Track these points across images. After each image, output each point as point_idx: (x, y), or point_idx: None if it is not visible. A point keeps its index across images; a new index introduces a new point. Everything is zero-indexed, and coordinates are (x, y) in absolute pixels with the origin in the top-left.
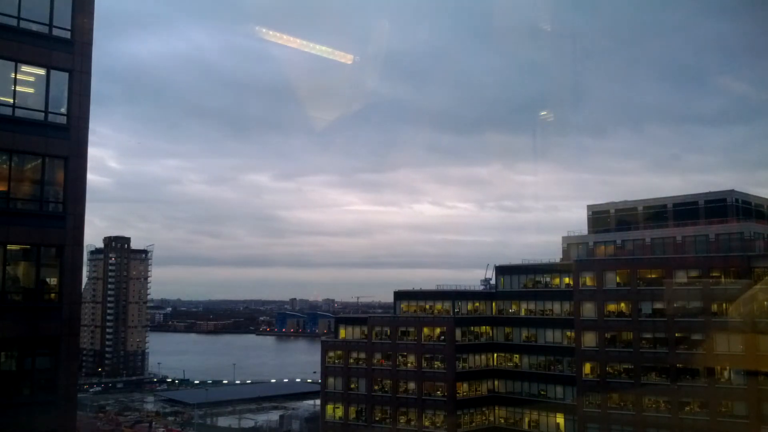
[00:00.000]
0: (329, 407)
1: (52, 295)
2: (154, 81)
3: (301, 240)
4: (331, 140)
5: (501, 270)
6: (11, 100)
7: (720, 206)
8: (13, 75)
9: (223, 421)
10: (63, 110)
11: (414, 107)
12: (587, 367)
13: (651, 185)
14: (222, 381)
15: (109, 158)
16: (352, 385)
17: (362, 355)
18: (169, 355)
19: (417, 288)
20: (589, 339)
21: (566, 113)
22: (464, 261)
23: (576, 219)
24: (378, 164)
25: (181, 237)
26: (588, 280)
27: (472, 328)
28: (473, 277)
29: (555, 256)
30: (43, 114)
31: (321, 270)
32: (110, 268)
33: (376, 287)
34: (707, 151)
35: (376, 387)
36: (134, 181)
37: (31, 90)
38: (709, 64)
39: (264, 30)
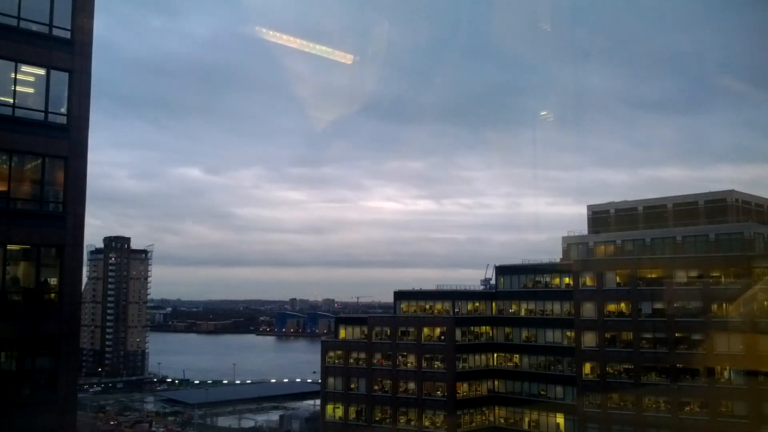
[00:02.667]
0: (329, 407)
1: (52, 295)
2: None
3: (270, 238)
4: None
5: (501, 270)
6: (11, 100)
7: (720, 206)
8: (13, 75)
9: (223, 421)
10: (63, 110)
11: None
12: (587, 367)
13: (597, 180)
14: (222, 381)
15: None
16: (352, 385)
17: (362, 355)
18: (169, 355)
19: (417, 288)
20: (589, 339)
21: (523, 106)
22: (445, 260)
23: (546, 214)
24: (312, 159)
25: (141, 234)
26: (588, 280)
27: (472, 328)
28: (454, 277)
29: (530, 254)
30: (43, 114)
31: (321, 270)
32: (110, 268)
33: (376, 287)
34: (653, 145)
35: (376, 387)
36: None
37: (31, 90)
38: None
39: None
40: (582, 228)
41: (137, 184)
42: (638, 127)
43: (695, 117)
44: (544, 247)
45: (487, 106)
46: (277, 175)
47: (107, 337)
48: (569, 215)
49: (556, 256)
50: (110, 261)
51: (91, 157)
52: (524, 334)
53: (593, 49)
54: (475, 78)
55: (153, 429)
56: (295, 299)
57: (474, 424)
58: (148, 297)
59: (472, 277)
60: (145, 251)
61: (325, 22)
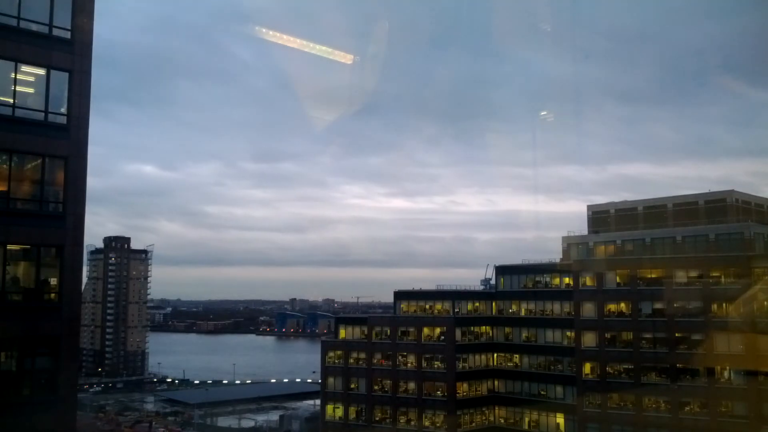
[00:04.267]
0: (329, 407)
1: (52, 295)
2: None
3: (250, 236)
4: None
5: (501, 270)
6: (11, 100)
7: (720, 206)
8: (13, 75)
9: (223, 421)
10: (63, 110)
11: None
12: (587, 367)
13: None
14: (222, 381)
15: None
16: (352, 385)
17: (362, 355)
18: (169, 355)
19: (417, 288)
20: (589, 339)
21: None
22: (434, 260)
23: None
24: (269, 155)
25: (117, 232)
26: (588, 280)
27: (472, 328)
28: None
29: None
30: (43, 114)
31: (320, 270)
32: (110, 268)
33: (376, 287)
34: (623, 140)
35: (376, 387)
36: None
37: (31, 90)
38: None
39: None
40: (558, 227)
41: (94, 180)
42: (610, 121)
43: (667, 110)
44: (530, 245)
45: (456, 99)
46: (236, 171)
47: (107, 337)
48: (548, 213)
49: (542, 254)
50: (110, 261)
51: None
52: (524, 334)
53: (568, 39)
54: (443, 69)
55: (153, 429)
56: (295, 299)
57: (474, 424)
58: (148, 297)
59: (464, 277)
60: (145, 251)
61: (276, 7)
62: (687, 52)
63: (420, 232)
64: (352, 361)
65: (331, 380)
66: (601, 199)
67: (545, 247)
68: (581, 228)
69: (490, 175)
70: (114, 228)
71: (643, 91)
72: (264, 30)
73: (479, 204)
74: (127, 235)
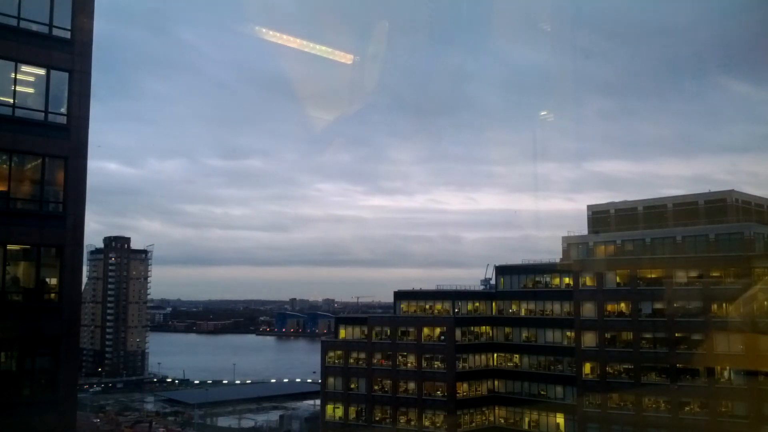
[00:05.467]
0: (329, 407)
1: (52, 295)
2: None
3: (234, 235)
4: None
5: (501, 270)
6: (11, 100)
7: (720, 206)
8: (13, 75)
9: (223, 421)
10: (63, 110)
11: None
12: (587, 367)
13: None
14: (222, 381)
15: None
16: (352, 385)
17: (362, 355)
18: (169, 355)
19: (415, 288)
20: (589, 339)
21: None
22: (426, 260)
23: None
24: (234, 151)
25: (101, 232)
26: (588, 280)
27: (472, 328)
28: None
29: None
30: (43, 114)
31: (320, 270)
32: (110, 268)
33: (375, 287)
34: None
35: (376, 387)
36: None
37: (31, 90)
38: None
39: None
40: (543, 226)
41: None
42: (588, 117)
43: (646, 105)
44: (517, 244)
45: (428, 94)
46: (204, 168)
47: (107, 337)
48: (531, 212)
49: (530, 253)
50: (110, 261)
51: None
52: (524, 334)
53: (547, 33)
54: (414, 62)
55: (153, 429)
56: (295, 299)
57: (474, 424)
58: (148, 297)
59: (458, 277)
60: (145, 251)
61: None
62: (665, 45)
63: (406, 231)
64: (352, 361)
65: (331, 380)
66: (583, 198)
67: (533, 246)
68: (566, 226)
69: (466, 172)
70: (96, 228)
71: (622, 86)
72: (226, 21)
73: (461, 203)
74: (107, 234)
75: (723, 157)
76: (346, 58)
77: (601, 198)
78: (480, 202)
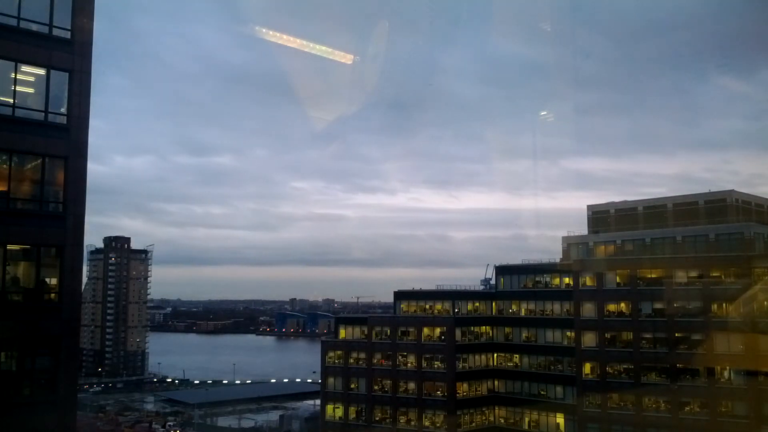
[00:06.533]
0: (329, 407)
1: (52, 295)
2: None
3: (220, 234)
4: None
5: (501, 270)
6: (11, 100)
7: (720, 206)
8: (13, 75)
9: (223, 421)
10: (63, 110)
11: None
12: (587, 367)
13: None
14: (222, 381)
15: None
16: (352, 385)
17: (362, 355)
18: (169, 355)
19: (416, 288)
20: (589, 339)
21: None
22: (417, 260)
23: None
24: (199, 147)
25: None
26: (588, 280)
27: (472, 328)
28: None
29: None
30: (43, 114)
31: (320, 270)
32: (110, 268)
33: (376, 287)
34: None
35: (376, 387)
36: None
37: (31, 90)
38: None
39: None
40: (529, 225)
41: None
42: (566, 113)
43: (623, 101)
44: (506, 243)
45: (402, 89)
46: (171, 166)
47: (107, 337)
48: (514, 211)
49: (523, 252)
50: (110, 261)
51: None
52: (524, 334)
53: (522, 24)
54: (391, 58)
55: (153, 429)
56: (295, 299)
57: (474, 424)
58: (148, 297)
59: (450, 276)
60: (145, 251)
61: None
62: (642, 40)
63: (393, 230)
64: (352, 361)
65: (331, 380)
66: (563, 195)
67: (522, 245)
68: (556, 225)
69: (444, 170)
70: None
71: (602, 81)
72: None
73: (444, 201)
74: (98, 234)
75: (703, 154)
76: (318, 50)
77: (583, 197)
78: (462, 200)
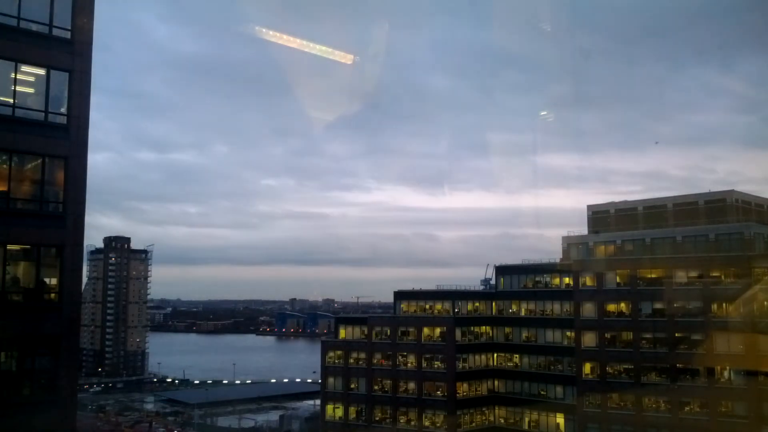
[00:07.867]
0: (329, 407)
1: (52, 295)
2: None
3: (199, 233)
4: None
5: (501, 270)
6: (11, 100)
7: (720, 206)
8: (13, 75)
9: (223, 421)
10: (63, 110)
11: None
12: (587, 367)
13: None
14: (222, 381)
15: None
16: (352, 385)
17: (362, 355)
18: (169, 355)
19: (417, 288)
20: (589, 339)
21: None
22: (407, 259)
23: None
24: (160, 144)
25: None
26: (588, 280)
27: (472, 328)
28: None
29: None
30: (43, 114)
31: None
32: (110, 268)
33: (377, 287)
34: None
35: (376, 387)
36: None
37: (31, 90)
38: None
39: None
40: (513, 224)
41: None
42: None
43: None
44: (493, 242)
45: (371, 84)
46: (133, 163)
47: (107, 337)
48: (500, 209)
49: (515, 251)
50: (110, 261)
51: None
52: (524, 334)
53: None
54: (358, 51)
55: (153, 429)
56: (295, 299)
57: (474, 424)
58: (148, 297)
59: (445, 276)
60: (145, 251)
61: None
62: (615, 31)
63: (377, 229)
64: (352, 361)
65: (331, 380)
66: (545, 193)
67: (511, 244)
68: (550, 224)
69: (414, 167)
70: None
71: (574, 72)
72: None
73: (424, 201)
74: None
75: (678, 152)
76: (280, 38)
77: (566, 195)
78: (440, 199)
